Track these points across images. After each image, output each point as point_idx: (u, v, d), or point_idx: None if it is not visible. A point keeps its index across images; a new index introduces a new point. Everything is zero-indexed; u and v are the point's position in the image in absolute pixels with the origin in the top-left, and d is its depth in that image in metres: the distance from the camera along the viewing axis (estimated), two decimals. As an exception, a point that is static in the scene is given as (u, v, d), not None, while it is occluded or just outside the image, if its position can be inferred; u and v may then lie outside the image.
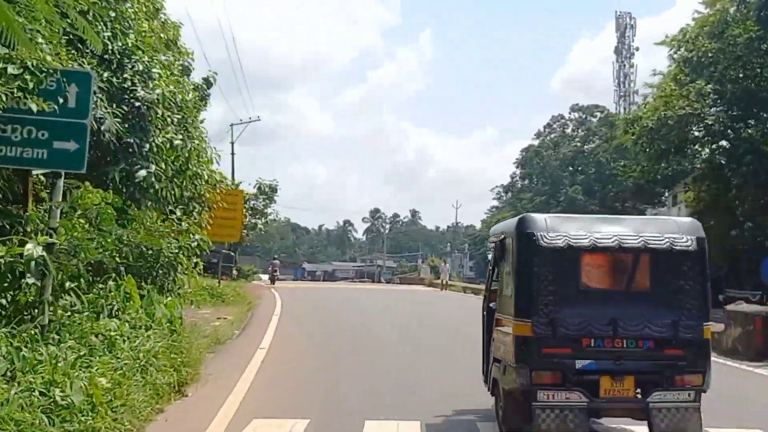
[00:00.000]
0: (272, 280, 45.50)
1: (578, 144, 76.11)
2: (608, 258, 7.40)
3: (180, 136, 16.06)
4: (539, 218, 7.51)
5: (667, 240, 7.19)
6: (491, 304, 8.68)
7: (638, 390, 7.14)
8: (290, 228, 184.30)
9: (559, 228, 7.27)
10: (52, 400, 6.71)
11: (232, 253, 45.63)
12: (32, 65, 8.84)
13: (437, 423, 8.93)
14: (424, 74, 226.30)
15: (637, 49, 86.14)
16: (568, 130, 78.58)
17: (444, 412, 9.38)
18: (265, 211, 48.06)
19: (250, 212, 48.00)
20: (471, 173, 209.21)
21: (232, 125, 52.66)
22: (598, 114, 76.94)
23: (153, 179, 14.40)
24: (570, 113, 78.64)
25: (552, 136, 77.82)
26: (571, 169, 74.43)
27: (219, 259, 35.20)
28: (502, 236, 8.07)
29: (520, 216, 7.82)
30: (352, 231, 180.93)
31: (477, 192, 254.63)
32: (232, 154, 51.09)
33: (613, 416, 7.73)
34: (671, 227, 7.48)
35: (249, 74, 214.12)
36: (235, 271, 44.51)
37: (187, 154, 16.72)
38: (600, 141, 73.80)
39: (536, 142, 79.01)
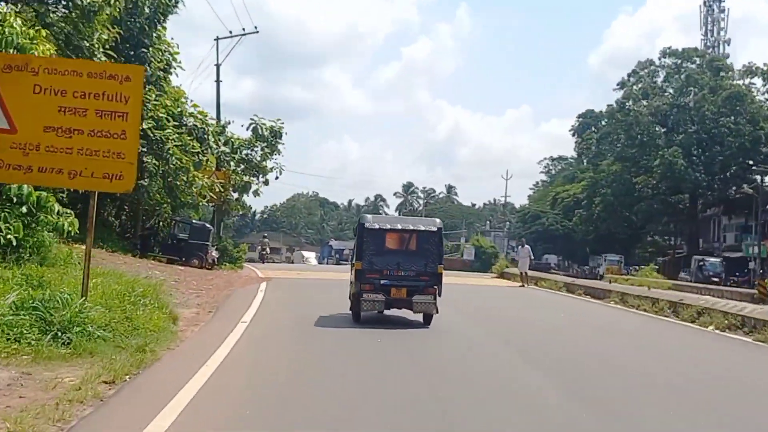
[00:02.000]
0: (262, 259, 40.64)
1: (673, 96, 59.20)
2: (398, 235, 14.54)
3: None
4: (368, 216, 15.44)
5: (425, 227, 14.52)
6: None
7: (408, 294, 13.99)
8: (318, 203, 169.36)
9: (377, 221, 14.82)
10: None
11: (208, 225, 29.80)
12: None
13: None
14: (459, 51, 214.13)
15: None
16: (659, 80, 61.42)
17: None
18: (264, 164, 32.15)
19: (241, 166, 32.16)
20: (505, 152, 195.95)
21: (217, 39, 36.57)
22: (697, 59, 59.92)
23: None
24: (661, 58, 61.45)
25: (639, 86, 60.72)
26: (662, 129, 57.69)
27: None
28: (357, 223, 15.24)
29: (360, 216, 19.90)
30: (383, 207, 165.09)
31: (513, 170, 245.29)
32: (218, 81, 35.13)
33: (396, 306, 14.33)
34: (428, 222, 15.18)
35: (282, 50, 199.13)
36: (214, 253, 28.81)
37: None
38: (701, 92, 56.90)
39: (619, 94, 61.97)
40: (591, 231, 65.62)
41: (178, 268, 24.88)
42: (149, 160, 25.61)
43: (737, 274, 49.99)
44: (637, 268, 57.05)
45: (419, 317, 14.25)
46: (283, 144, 32.48)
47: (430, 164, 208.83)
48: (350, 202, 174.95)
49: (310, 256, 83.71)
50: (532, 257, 31.03)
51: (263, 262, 39.93)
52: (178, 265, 26.52)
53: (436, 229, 14.45)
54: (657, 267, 42.76)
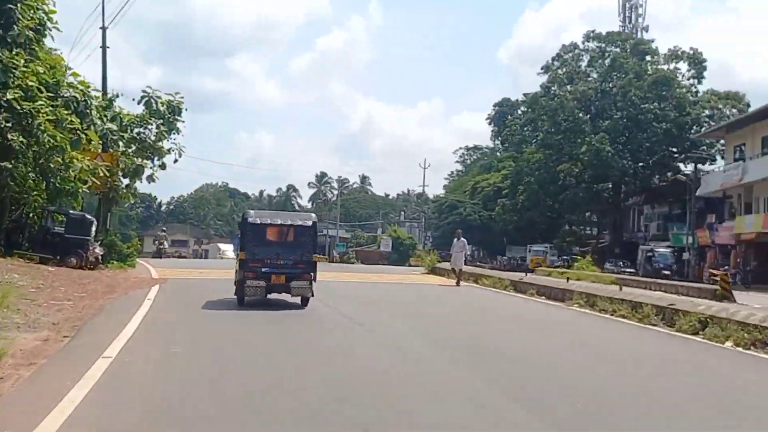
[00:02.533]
0: (160, 254, 37.90)
1: (597, 81, 56.82)
2: (278, 228, 16.10)
3: None
4: (251, 211, 16.95)
5: (301, 221, 16.18)
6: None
7: (287, 280, 15.43)
8: (228, 193, 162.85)
9: (258, 216, 16.26)
10: None
11: (89, 217, 24.69)
12: None
13: None
14: (372, 43, 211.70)
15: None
16: (583, 64, 58.98)
17: None
18: (159, 145, 27.27)
19: (132, 147, 27.27)
20: (418, 143, 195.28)
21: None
22: (621, 44, 57.73)
23: None
24: (584, 42, 59.00)
25: (564, 70, 58.09)
26: (587, 115, 55.20)
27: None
28: (241, 218, 16.90)
29: (244, 211, 17.61)
30: (296, 197, 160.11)
31: (425, 162, 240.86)
32: (104, 47, 29.79)
33: (276, 291, 15.63)
34: (305, 217, 16.71)
35: (193, 39, 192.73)
36: (98, 250, 23.84)
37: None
38: (627, 77, 54.72)
39: (544, 78, 59.10)
40: (514, 220, 62.96)
41: (47, 270, 20.00)
42: (15, 137, 20.91)
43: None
44: (567, 258, 54.61)
45: (298, 300, 16.05)
46: (183, 122, 27.75)
47: (344, 155, 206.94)
48: (261, 192, 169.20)
49: (228, 249, 78.21)
50: (468, 251, 27.23)
51: (161, 257, 38.40)
52: (52, 264, 21.62)
53: (311, 224, 16.44)
54: (592, 258, 39.28)
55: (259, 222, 15.99)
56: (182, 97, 27.88)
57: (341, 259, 77.61)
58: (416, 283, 26.63)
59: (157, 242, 46.33)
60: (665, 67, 54.86)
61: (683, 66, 54.83)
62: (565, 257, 56.76)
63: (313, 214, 17.21)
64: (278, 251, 15.75)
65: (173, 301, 16.30)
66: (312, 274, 15.64)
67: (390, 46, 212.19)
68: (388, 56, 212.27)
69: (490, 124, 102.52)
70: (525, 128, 60.88)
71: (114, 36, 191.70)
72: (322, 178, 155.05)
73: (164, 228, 57.40)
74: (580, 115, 54.45)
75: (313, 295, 15.77)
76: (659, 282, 27.33)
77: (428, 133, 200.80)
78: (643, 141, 53.11)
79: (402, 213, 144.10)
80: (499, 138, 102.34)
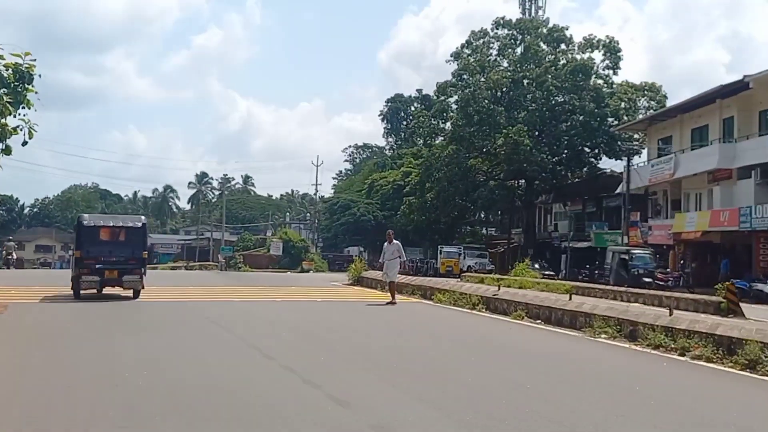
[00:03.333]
0: (7, 265, 36.26)
1: (511, 69, 52.42)
2: (110, 229, 18.54)
3: None
4: (86, 215, 20.03)
5: (132, 223, 19.16)
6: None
7: (119, 275, 17.96)
8: (98, 195, 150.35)
9: (92, 219, 19.56)
10: None
11: None
12: None
13: None
14: (251, 42, 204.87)
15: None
16: (494, 52, 54.46)
17: None
18: (3, 122, 20.01)
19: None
20: (299, 144, 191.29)
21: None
22: (533, 30, 53.65)
23: None
24: (494, 29, 54.44)
25: (476, 57, 53.34)
26: (500, 107, 50.71)
27: None
28: (77, 221, 19.60)
29: (79, 215, 20.71)
30: (174, 198, 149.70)
31: (305, 163, 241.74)
32: None
33: (110, 285, 18.02)
34: (135, 219, 20.00)
35: (61, 33, 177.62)
36: None
37: None
38: (542, 65, 50.66)
39: (455, 66, 54.05)
40: (422, 220, 57.68)
41: None
42: None
43: (588, 266, 44.11)
44: (491, 261, 49.82)
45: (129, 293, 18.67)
46: (36, 92, 20.38)
47: (223, 155, 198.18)
48: (135, 194, 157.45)
49: None
50: (404, 257, 21.45)
51: (8, 268, 36.27)
52: None
53: (141, 225, 19.52)
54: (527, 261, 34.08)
55: (93, 224, 19.10)
56: (34, 60, 20.44)
57: (228, 264, 70.15)
58: (347, 301, 20.61)
59: (4, 252, 41.50)
60: (579, 57, 51.16)
61: (598, 56, 51.32)
62: (490, 260, 51.93)
63: (143, 217, 22.06)
64: (111, 249, 18.53)
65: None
66: (143, 269, 18.86)
67: (269, 45, 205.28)
68: (267, 55, 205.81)
69: (382, 120, 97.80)
70: (433, 120, 55.49)
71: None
72: (202, 178, 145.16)
73: (10, 238, 50.89)
74: (493, 106, 49.82)
75: (143, 288, 18.74)
76: (640, 292, 22.60)
77: (309, 133, 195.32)
78: (561, 134, 49.15)
79: (288, 214, 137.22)
80: (392, 135, 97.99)
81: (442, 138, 55.36)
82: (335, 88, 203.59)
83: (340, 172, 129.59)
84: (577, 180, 53.51)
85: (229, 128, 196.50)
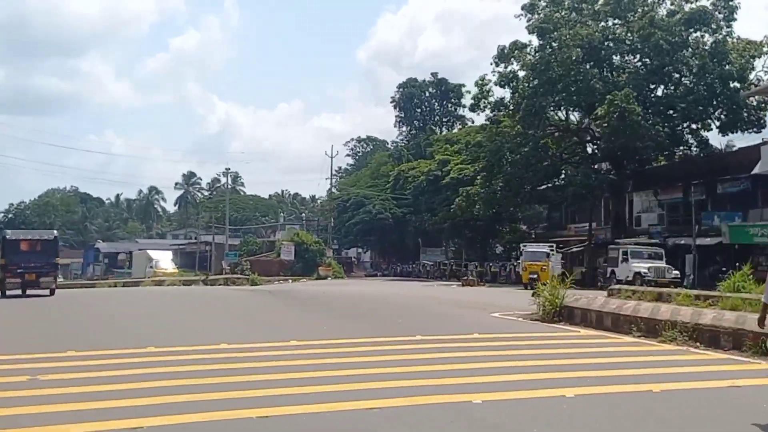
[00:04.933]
0: None
1: (598, 23, 40.60)
2: (29, 242, 23.47)
3: None
4: (8, 231, 26.14)
5: (46, 236, 24.59)
6: None
7: (37, 277, 22.58)
8: (78, 199, 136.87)
9: (14, 234, 25.16)
10: None
11: None
12: None
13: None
14: (229, 44, 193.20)
15: None
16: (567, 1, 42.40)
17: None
18: None
19: None
20: (279, 145, 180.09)
21: None
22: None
23: None
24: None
25: (557, 8, 41.30)
26: (590, 66, 38.93)
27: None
28: (2, 236, 24.20)
29: (2, 232, 26.33)
30: (159, 200, 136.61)
31: (286, 165, 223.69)
32: None
33: (30, 287, 22.75)
34: (48, 233, 26.36)
35: (35, 37, 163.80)
36: None
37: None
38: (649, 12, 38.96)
39: (521, 23, 41.98)
40: (490, 214, 45.87)
41: None
42: None
43: (724, 269, 32.53)
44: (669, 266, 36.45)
45: (46, 292, 22.44)
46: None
47: (202, 158, 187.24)
48: (118, 197, 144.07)
49: (163, 258, 56.50)
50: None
51: None
52: None
53: (53, 237, 24.69)
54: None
55: (14, 238, 24.17)
56: None
57: (233, 271, 57.93)
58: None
59: None
60: (688, 6, 39.64)
61: (705, 4, 39.77)
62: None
63: (55, 231, 28.81)
64: (30, 257, 22.85)
65: None
66: (56, 272, 24.34)
67: (247, 47, 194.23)
68: (246, 57, 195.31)
69: (395, 107, 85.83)
70: (501, 87, 43.23)
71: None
72: (190, 178, 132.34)
73: None
74: (585, 67, 38.12)
75: (56, 287, 24.01)
76: None
77: (289, 133, 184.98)
78: (675, 101, 37.65)
79: (281, 215, 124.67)
80: (405, 123, 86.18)
81: (503, 113, 43.49)
82: (314, 88, 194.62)
83: (339, 168, 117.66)
84: (678, 159, 42.01)
85: (209, 130, 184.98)
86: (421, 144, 76.55)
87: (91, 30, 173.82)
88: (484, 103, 43.12)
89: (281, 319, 15.27)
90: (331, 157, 71.23)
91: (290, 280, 55.09)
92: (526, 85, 41.56)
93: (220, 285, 30.90)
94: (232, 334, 11.98)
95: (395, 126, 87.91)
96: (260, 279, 49.38)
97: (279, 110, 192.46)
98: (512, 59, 43.06)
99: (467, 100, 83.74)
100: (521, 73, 42.70)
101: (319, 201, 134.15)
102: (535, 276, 36.80)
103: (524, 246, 40.06)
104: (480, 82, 43.21)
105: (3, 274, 22.60)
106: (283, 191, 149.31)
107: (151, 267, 49.50)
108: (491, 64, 43.52)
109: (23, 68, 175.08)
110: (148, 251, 59.15)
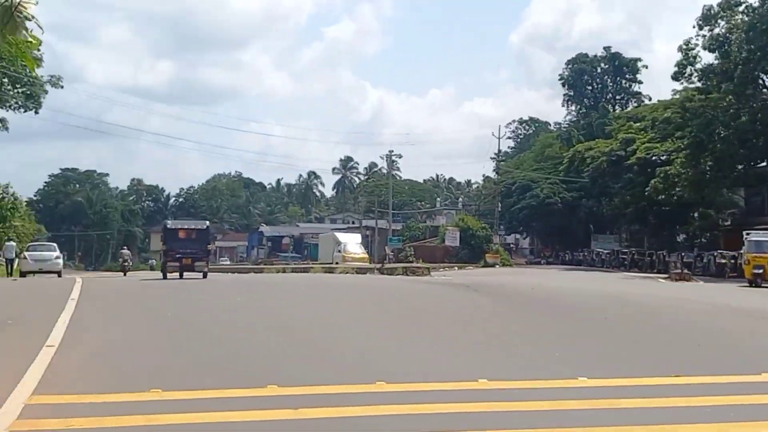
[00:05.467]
0: (124, 271, 37.56)
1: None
2: (186, 231, 25.68)
3: None
4: (168, 221, 29.17)
5: (199, 225, 27.21)
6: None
7: (192, 262, 24.60)
8: (242, 183, 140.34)
9: (174, 224, 27.54)
10: None
11: None
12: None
13: None
14: (382, 32, 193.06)
15: None
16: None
17: None
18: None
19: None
20: (431, 131, 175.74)
21: None
22: None
23: None
24: None
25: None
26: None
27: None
28: (163, 225, 28.53)
29: (164, 221, 33.58)
30: (317, 185, 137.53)
31: (438, 150, 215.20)
32: None
33: (187, 270, 24.20)
34: (201, 223, 28.16)
35: (201, 32, 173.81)
36: None
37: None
38: None
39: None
40: (698, 197, 39.97)
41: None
42: None
43: None
44: None
45: (200, 275, 24.19)
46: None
47: (356, 146, 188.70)
48: (279, 181, 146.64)
49: (351, 241, 50.77)
50: None
51: (125, 274, 36.21)
52: None
53: (205, 227, 26.87)
54: None
55: (173, 227, 26.39)
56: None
57: (397, 257, 55.16)
58: None
59: (120, 260, 41.74)
60: None
61: None
62: None
63: (207, 222, 29.24)
64: (187, 244, 24.94)
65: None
66: (207, 258, 25.79)
67: (399, 34, 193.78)
68: (398, 45, 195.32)
69: (563, 85, 79.82)
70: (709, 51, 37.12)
71: (124, 31, 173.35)
72: (347, 162, 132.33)
73: (126, 246, 53.60)
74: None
75: (208, 270, 25.38)
76: None
77: (440, 119, 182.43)
78: None
79: (437, 200, 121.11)
80: (574, 102, 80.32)
81: (712, 81, 37.38)
82: (466, 74, 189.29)
83: (499, 152, 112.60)
84: None
85: (362, 117, 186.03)
86: (593, 123, 70.52)
87: (253, 24, 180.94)
88: (691, 70, 37.22)
89: (526, 334, 11.45)
90: (498, 138, 66.98)
91: (456, 268, 51.63)
92: (739, 48, 35.38)
93: (399, 275, 27.68)
94: (483, 363, 8.39)
95: (563, 105, 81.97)
96: (423, 264, 46.31)
97: (431, 96, 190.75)
98: (719, 20, 36.98)
99: (644, 76, 77.66)
100: (731, 36, 36.50)
101: (475, 186, 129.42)
102: (761, 270, 31.08)
103: (747, 234, 33.93)
104: (684, 46, 37.44)
105: (164, 259, 25.43)
106: (438, 175, 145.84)
107: (339, 251, 46.58)
108: (694, 27, 37.70)
109: (191, 61, 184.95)
110: (336, 234, 55.80)
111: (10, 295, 17.18)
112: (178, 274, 24.59)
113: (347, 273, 32.21)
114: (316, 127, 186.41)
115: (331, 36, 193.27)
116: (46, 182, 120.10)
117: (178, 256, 24.49)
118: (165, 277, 24.29)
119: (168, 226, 26.65)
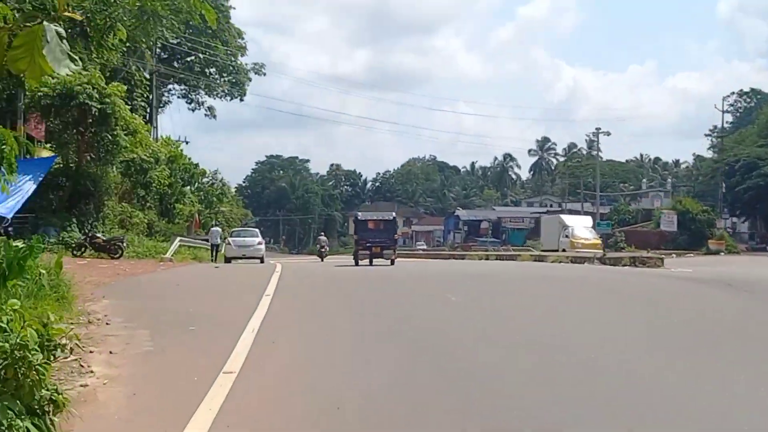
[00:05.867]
0: (321, 256, 38.36)
1: None
2: (374, 221, 27.89)
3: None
4: (359, 213, 32.33)
5: (387, 216, 29.04)
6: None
7: (381, 250, 26.22)
8: (436, 167, 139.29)
9: (364, 216, 29.75)
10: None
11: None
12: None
13: None
14: (577, 9, 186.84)
15: None
16: None
17: None
18: None
19: None
20: (631, 109, 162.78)
21: None
22: None
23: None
24: None
25: None
26: None
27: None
28: (355, 217, 31.37)
29: (355, 213, 38.51)
30: (513, 167, 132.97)
31: (639, 128, 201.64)
32: None
33: (375, 257, 26.00)
34: (388, 214, 30.41)
35: (394, 18, 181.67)
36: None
37: None
38: None
39: None
40: None
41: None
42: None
43: None
44: None
45: (388, 262, 25.57)
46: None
47: (549, 126, 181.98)
48: (473, 164, 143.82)
49: (579, 225, 45.46)
50: None
51: (322, 260, 37.26)
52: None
53: (392, 217, 28.71)
54: None
55: (364, 219, 28.39)
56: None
57: (606, 244, 50.32)
58: None
59: (318, 246, 41.94)
60: None
61: None
62: None
63: (393, 213, 32.64)
64: (375, 234, 26.62)
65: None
66: (394, 246, 27.04)
67: (594, 10, 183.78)
68: (594, 21, 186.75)
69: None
70: None
71: (323, 23, 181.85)
72: (544, 143, 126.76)
73: (323, 232, 53.69)
74: None
75: (396, 257, 26.97)
76: None
77: (640, 96, 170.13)
78: None
79: (643, 181, 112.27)
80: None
81: None
82: (668, 48, 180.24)
83: (714, 127, 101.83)
84: None
85: (557, 97, 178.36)
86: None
87: (446, 7, 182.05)
88: None
89: None
90: (722, 112, 59.40)
91: (673, 255, 46.06)
92: None
93: (625, 266, 23.60)
94: None
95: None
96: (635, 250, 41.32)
97: (630, 72, 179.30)
98: None
99: None
100: None
101: (684, 165, 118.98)
102: None
103: None
104: None
105: (356, 247, 27.25)
106: (642, 155, 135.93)
107: (567, 236, 42.25)
108: None
109: (386, 48, 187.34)
110: (562, 216, 51.07)
111: (207, 286, 15.92)
112: (368, 260, 26.13)
113: (560, 262, 28.70)
114: (509, 109, 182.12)
115: (524, 14, 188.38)
116: (253, 169, 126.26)
117: (368, 244, 26.27)
118: (357, 264, 25.68)
119: (359, 217, 29.16)
